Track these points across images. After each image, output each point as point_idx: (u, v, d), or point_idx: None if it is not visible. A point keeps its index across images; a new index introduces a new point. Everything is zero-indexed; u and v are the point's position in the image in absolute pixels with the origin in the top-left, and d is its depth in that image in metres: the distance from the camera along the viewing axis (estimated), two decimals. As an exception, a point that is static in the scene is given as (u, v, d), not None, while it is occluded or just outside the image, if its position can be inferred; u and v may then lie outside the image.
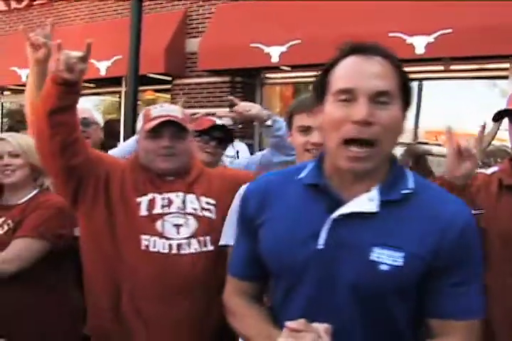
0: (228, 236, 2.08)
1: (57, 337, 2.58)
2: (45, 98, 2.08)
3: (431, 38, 6.36)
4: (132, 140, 3.19)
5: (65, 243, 2.55)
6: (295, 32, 7.30)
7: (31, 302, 2.54)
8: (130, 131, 5.08)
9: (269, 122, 2.97)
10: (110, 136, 7.12)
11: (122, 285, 2.14)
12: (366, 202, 1.44)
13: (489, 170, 2.23)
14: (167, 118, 2.22)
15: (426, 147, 3.02)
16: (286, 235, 1.50)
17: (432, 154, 2.95)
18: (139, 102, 10.21)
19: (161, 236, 2.15)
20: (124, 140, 5.18)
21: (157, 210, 2.19)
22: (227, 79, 8.57)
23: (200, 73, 8.65)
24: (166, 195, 2.22)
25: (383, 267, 1.40)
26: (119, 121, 8.54)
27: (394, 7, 6.66)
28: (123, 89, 9.21)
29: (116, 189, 2.21)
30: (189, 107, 7.68)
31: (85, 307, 2.32)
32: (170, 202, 2.21)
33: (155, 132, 2.23)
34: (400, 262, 1.40)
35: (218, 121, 3.22)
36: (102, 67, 8.93)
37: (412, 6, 6.53)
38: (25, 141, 2.70)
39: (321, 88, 1.48)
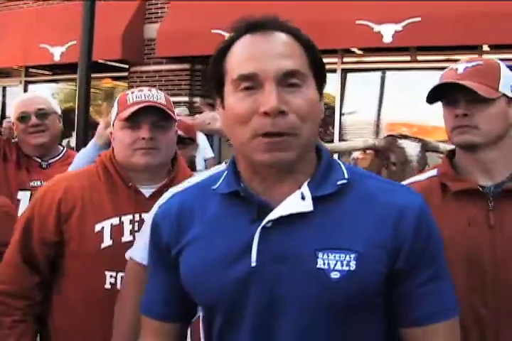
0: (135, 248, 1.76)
1: None
2: None
3: (399, 27, 6.22)
4: (88, 148, 2.62)
5: None
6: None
7: None
8: (83, 121, 4.77)
9: None
10: (66, 125, 6.73)
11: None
12: (298, 201, 1.19)
13: (423, 176, 1.83)
14: (147, 103, 1.89)
15: (434, 143, 3.13)
16: (212, 258, 1.22)
17: (438, 151, 3.03)
18: (97, 91, 9.96)
19: None
20: (77, 130, 4.87)
21: (126, 238, 1.89)
22: (186, 66, 8.35)
23: (158, 60, 8.37)
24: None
25: (334, 275, 1.15)
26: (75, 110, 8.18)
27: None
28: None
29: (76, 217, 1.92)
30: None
31: None
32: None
33: (133, 121, 1.89)
34: (352, 266, 1.16)
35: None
36: (56, 53, 8.56)
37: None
38: None
39: (217, 78, 1.23)
